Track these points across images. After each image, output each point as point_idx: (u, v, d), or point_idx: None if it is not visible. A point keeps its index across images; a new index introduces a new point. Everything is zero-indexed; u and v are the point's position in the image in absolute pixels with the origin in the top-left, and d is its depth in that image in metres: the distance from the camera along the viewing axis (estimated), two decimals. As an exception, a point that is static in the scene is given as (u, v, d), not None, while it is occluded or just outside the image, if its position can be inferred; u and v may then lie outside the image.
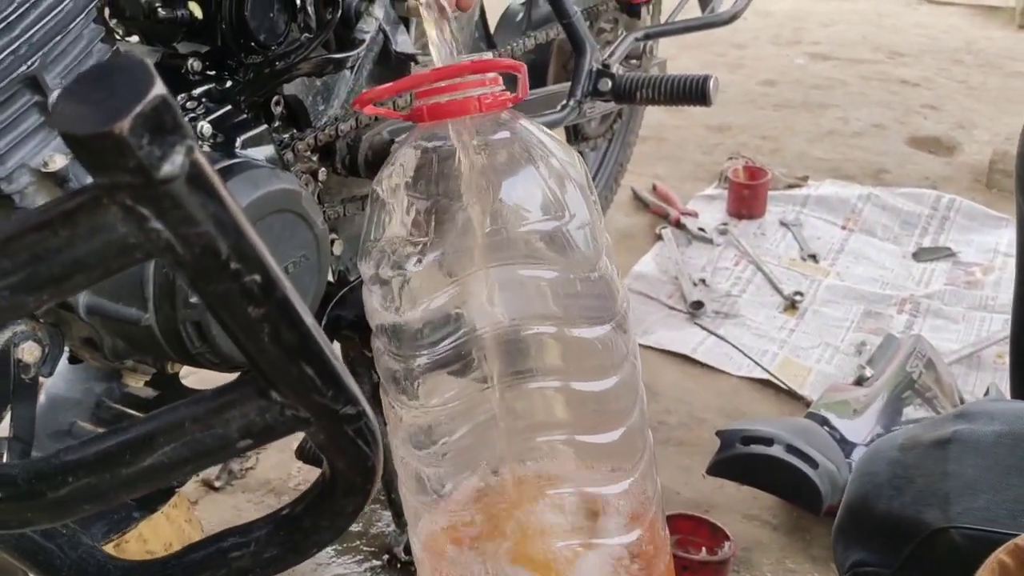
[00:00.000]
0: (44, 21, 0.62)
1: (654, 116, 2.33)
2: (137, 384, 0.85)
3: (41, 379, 0.76)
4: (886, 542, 0.78)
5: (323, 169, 0.89)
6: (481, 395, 0.67)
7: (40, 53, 0.63)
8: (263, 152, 0.77)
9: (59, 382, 0.85)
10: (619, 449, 0.71)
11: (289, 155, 0.84)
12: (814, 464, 1.07)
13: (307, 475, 1.32)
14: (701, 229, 2.01)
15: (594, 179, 1.82)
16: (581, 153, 1.68)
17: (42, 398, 0.81)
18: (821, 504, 1.08)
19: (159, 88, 0.27)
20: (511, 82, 0.67)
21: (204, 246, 0.31)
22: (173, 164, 0.28)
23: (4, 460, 0.76)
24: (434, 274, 0.65)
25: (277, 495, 1.29)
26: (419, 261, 0.65)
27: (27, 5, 0.61)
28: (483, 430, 0.68)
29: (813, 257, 1.93)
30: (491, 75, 0.64)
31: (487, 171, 0.64)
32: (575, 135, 1.48)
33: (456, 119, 0.63)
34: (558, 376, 0.68)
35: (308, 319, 0.36)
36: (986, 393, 1.42)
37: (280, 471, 1.32)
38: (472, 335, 0.66)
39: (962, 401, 1.41)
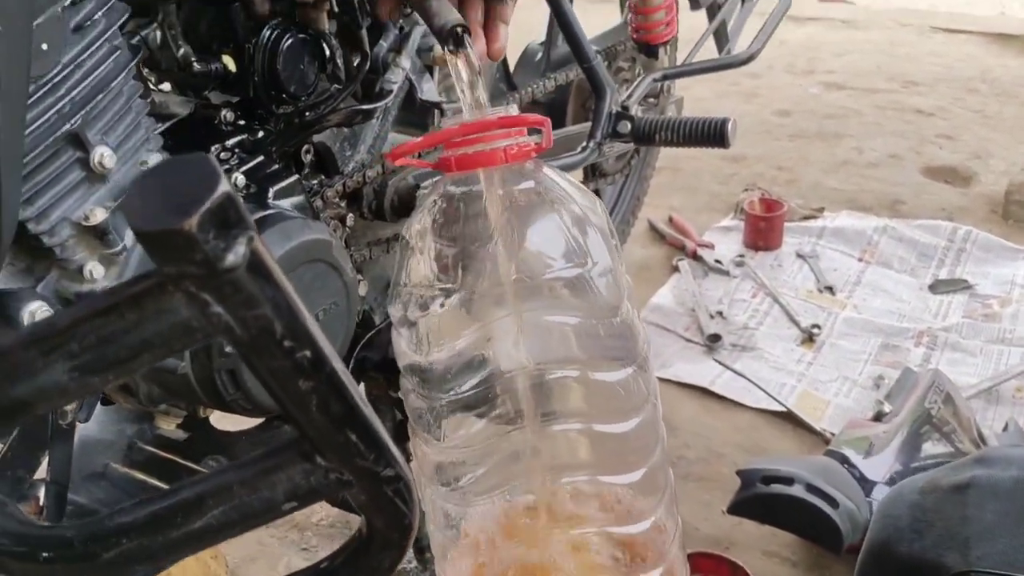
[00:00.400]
0: (87, 81, 0.65)
1: (668, 147, 2.35)
2: (169, 427, 0.87)
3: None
4: None
5: (351, 214, 0.91)
6: (505, 437, 0.69)
7: (82, 112, 0.65)
8: (294, 201, 0.79)
9: (92, 424, 0.86)
10: (641, 488, 0.72)
11: (318, 202, 0.86)
12: (834, 503, 1.07)
13: (328, 511, 1.33)
14: (718, 261, 2.02)
15: (611, 213, 1.84)
16: (598, 189, 1.70)
17: (76, 440, 0.82)
18: (841, 543, 1.08)
19: (224, 185, 0.29)
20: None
21: (261, 327, 0.33)
22: (236, 255, 0.30)
23: (41, 502, 0.78)
24: (460, 318, 0.67)
25: (300, 531, 1.30)
26: (446, 305, 0.66)
27: (72, 66, 0.63)
28: (507, 470, 0.70)
29: (830, 289, 1.93)
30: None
31: (512, 219, 0.66)
32: (593, 172, 1.50)
33: (483, 169, 0.65)
34: (581, 418, 0.69)
35: (353, 389, 0.38)
36: (1005, 428, 1.42)
37: (302, 506, 1.33)
38: (497, 378, 0.68)
39: (980, 435, 1.41)
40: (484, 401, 0.68)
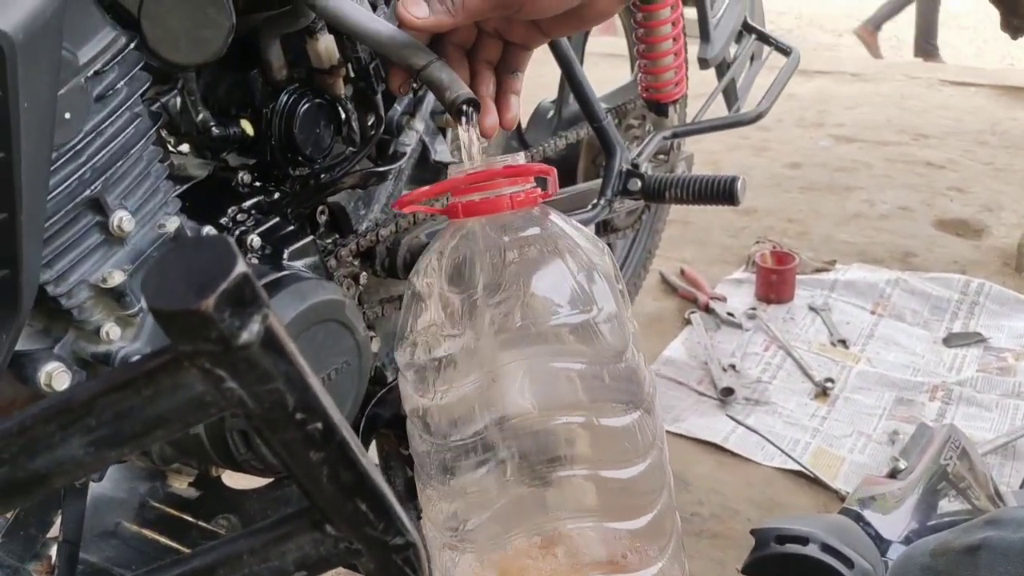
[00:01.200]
0: (108, 148, 0.66)
1: (681, 200, 2.37)
2: (181, 485, 0.87)
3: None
4: None
5: (364, 273, 0.92)
6: (509, 483, 0.69)
7: (103, 177, 0.66)
8: (308, 261, 0.80)
9: (105, 482, 0.87)
10: (648, 533, 0.72)
11: (332, 261, 0.87)
12: (850, 564, 1.06)
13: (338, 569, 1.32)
14: (730, 314, 2.02)
15: (623, 266, 1.85)
16: (610, 243, 1.72)
17: (88, 498, 0.83)
18: (857, 604, 1.07)
19: (241, 266, 0.30)
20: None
21: (274, 401, 0.33)
22: (251, 332, 0.31)
23: (53, 561, 0.78)
24: (466, 363, 0.67)
25: (310, 587, 1.29)
26: (451, 351, 0.67)
27: (93, 134, 0.65)
28: (511, 515, 0.70)
29: (843, 343, 1.93)
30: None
31: (518, 265, 0.66)
32: (604, 227, 1.51)
33: (489, 216, 0.66)
34: (587, 464, 0.69)
35: (363, 459, 0.38)
36: (1022, 485, 1.41)
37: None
38: (502, 423, 0.68)
39: (997, 492, 1.39)
40: (488, 447, 0.69)
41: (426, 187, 0.67)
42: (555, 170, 0.69)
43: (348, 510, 0.39)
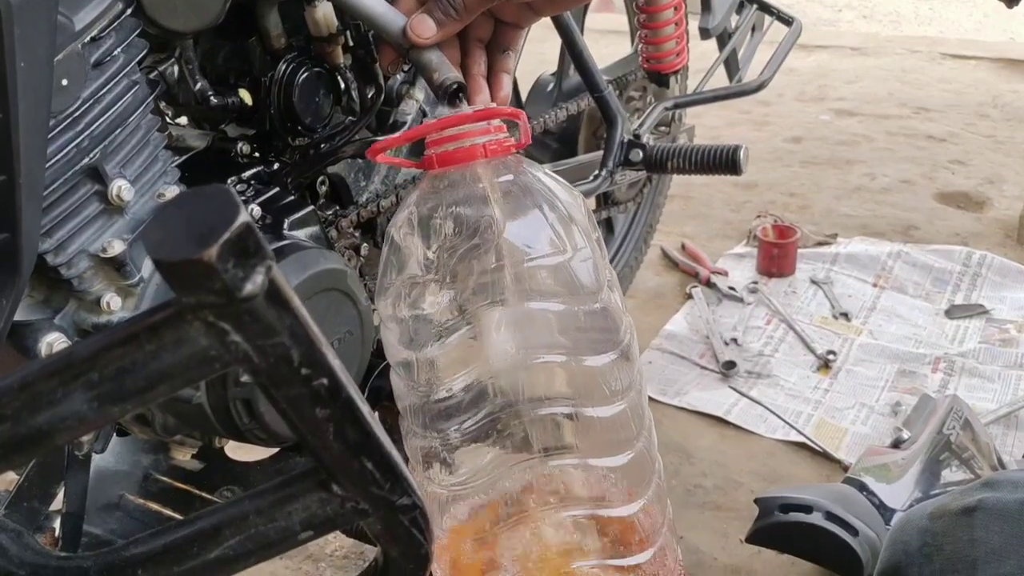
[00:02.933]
0: (106, 116, 0.65)
1: (679, 175, 2.36)
2: (184, 457, 0.87)
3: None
4: None
5: (365, 244, 0.91)
6: (494, 424, 0.69)
7: (101, 145, 0.66)
8: (309, 232, 0.79)
9: (107, 455, 0.87)
10: (629, 471, 0.72)
11: (333, 232, 0.86)
12: (854, 531, 1.06)
13: (343, 542, 1.32)
14: (731, 288, 2.01)
15: (624, 241, 1.84)
16: (611, 218, 1.71)
17: (91, 471, 0.82)
18: (862, 572, 1.07)
19: (243, 216, 0.29)
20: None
21: (279, 355, 0.33)
22: (254, 284, 0.30)
23: (57, 534, 0.78)
24: (446, 311, 0.69)
25: (314, 561, 1.29)
26: (432, 300, 0.68)
27: (91, 101, 0.64)
28: (497, 458, 0.70)
29: (845, 315, 1.92)
30: (496, 123, 0.67)
31: (494, 211, 0.67)
32: (605, 200, 1.50)
33: (464, 165, 0.67)
34: (568, 403, 0.70)
35: (369, 417, 0.38)
36: (1025, 455, 1.41)
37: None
38: (483, 367, 0.69)
39: (1000, 461, 1.39)
40: (471, 392, 0.70)
41: (397, 134, 0.68)
42: (525, 114, 0.70)
43: (354, 469, 0.39)
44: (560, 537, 0.68)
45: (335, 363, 0.35)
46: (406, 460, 0.55)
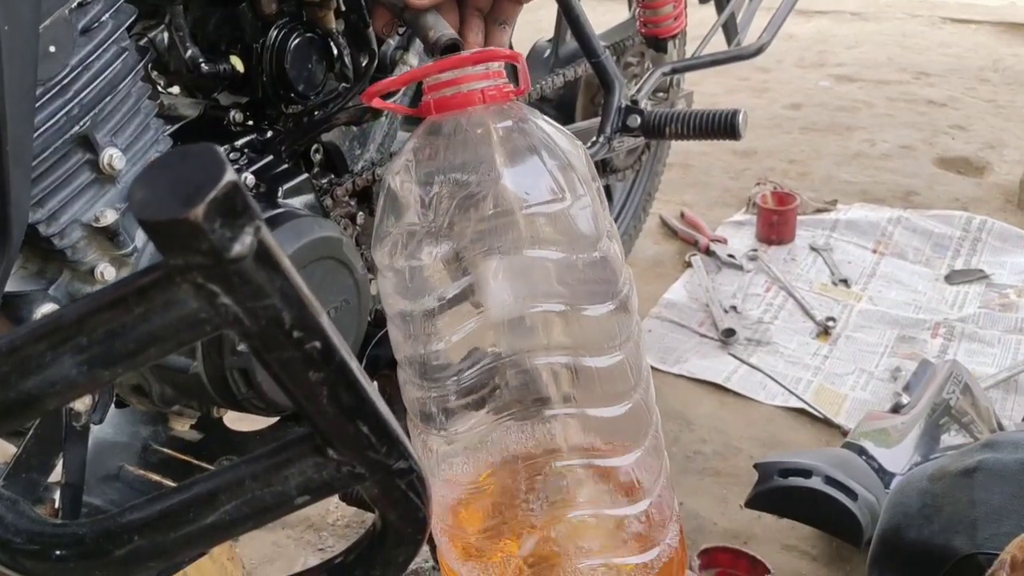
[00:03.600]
0: (95, 83, 0.65)
1: (680, 143, 2.34)
2: (183, 428, 0.87)
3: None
4: (918, 569, 0.80)
5: (361, 213, 0.91)
6: (490, 372, 0.69)
7: (91, 113, 0.65)
8: (304, 200, 0.79)
9: (106, 426, 0.86)
10: (626, 423, 0.73)
11: (328, 201, 0.85)
12: (853, 495, 1.07)
13: (344, 511, 1.33)
14: (731, 255, 2.01)
15: (622, 209, 1.84)
16: (609, 186, 1.70)
17: (90, 442, 0.82)
18: (861, 536, 1.08)
19: (230, 174, 0.29)
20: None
21: (270, 318, 0.32)
22: (243, 244, 0.30)
23: (56, 505, 0.78)
24: (443, 259, 0.68)
25: (316, 531, 1.30)
26: (430, 247, 0.67)
27: (80, 68, 0.63)
28: (497, 407, 0.70)
29: (844, 282, 1.92)
30: (495, 67, 0.67)
31: (493, 158, 0.67)
32: (604, 168, 1.49)
33: (462, 111, 0.66)
34: (567, 352, 0.70)
35: (364, 380, 0.38)
36: (1025, 418, 1.41)
37: (318, 507, 1.34)
38: (481, 315, 0.69)
39: (999, 426, 1.39)
40: (469, 342, 0.69)
41: (394, 77, 0.67)
42: (523, 57, 0.69)
43: (350, 433, 0.39)
44: (557, 486, 0.69)
45: (327, 326, 0.34)
46: (404, 427, 0.55)
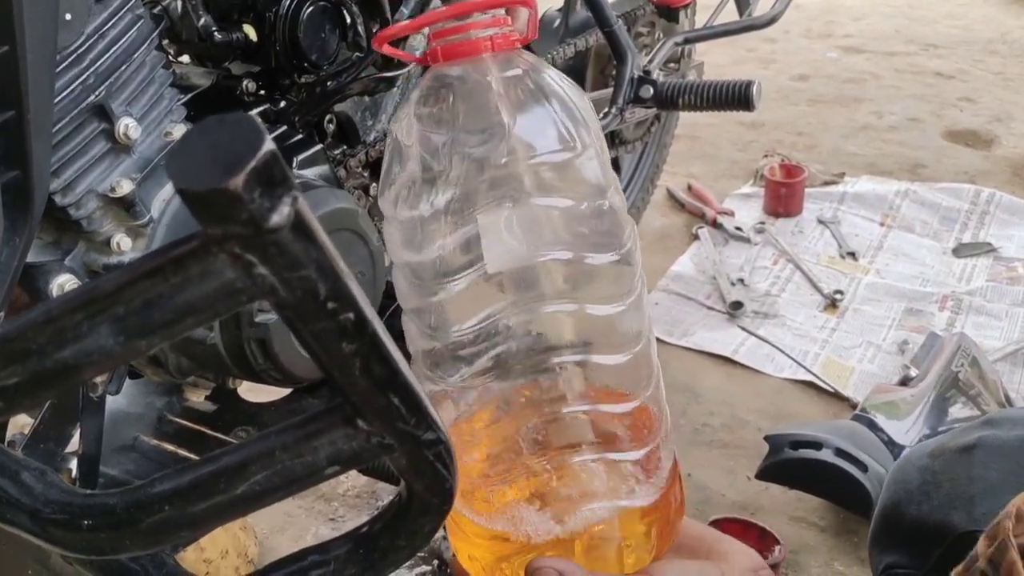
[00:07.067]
0: (110, 52, 0.64)
1: (686, 114, 2.33)
2: (198, 398, 0.87)
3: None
4: (916, 546, 0.81)
5: (373, 184, 0.90)
6: (495, 322, 0.70)
7: (107, 83, 0.64)
8: (319, 171, 0.78)
9: (121, 397, 0.87)
10: (629, 371, 0.73)
11: (342, 172, 0.85)
12: (863, 467, 1.07)
13: (355, 480, 1.33)
14: (738, 228, 2.01)
15: (630, 181, 1.83)
16: (618, 157, 1.69)
17: (106, 413, 0.83)
18: (871, 507, 1.08)
19: (269, 143, 0.28)
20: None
21: (305, 289, 0.32)
22: (280, 214, 0.30)
23: (73, 475, 0.78)
24: (452, 207, 0.68)
25: (327, 501, 1.31)
26: (437, 196, 0.67)
27: (95, 37, 0.63)
28: (507, 356, 0.71)
29: (852, 255, 1.92)
30: (502, 14, 0.66)
31: (499, 107, 0.66)
32: (613, 139, 1.48)
33: (469, 59, 0.66)
34: (572, 300, 0.70)
35: (395, 352, 0.38)
36: (1033, 391, 1.41)
37: (328, 477, 1.34)
38: (488, 263, 0.69)
39: (1007, 398, 1.40)
40: (477, 290, 0.70)
41: (405, 22, 0.66)
42: (536, 4, 0.69)
43: (380, 404, 0.39)
44: (560, 431, 0.69)
45: (361, 297, 0.34)
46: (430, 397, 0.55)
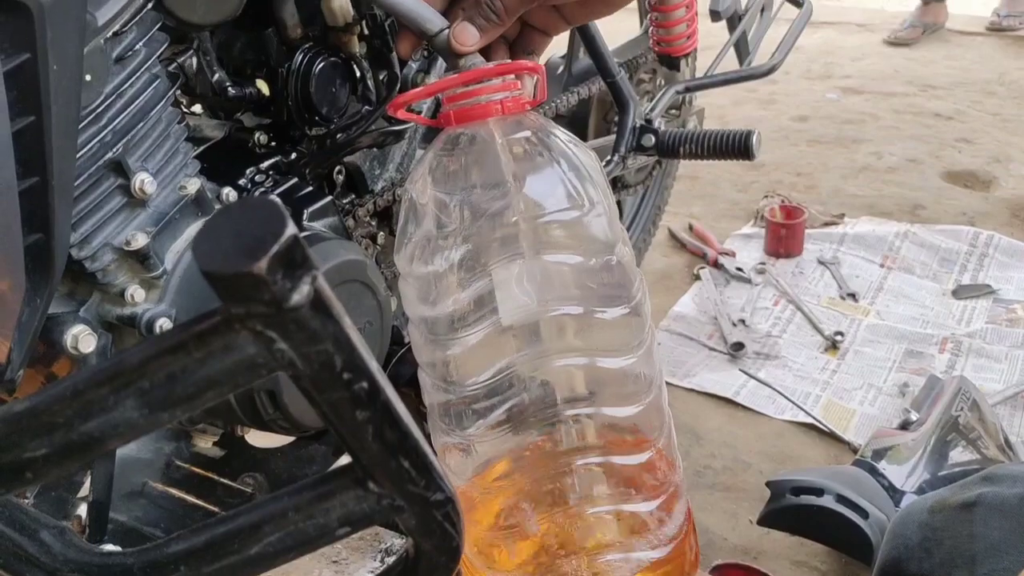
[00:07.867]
0: (128, 110, 0.66)
1: (688, 155, 2.36)
2: (206, 444, 0.88)
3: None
4: None
5: (381, 232, 0.92)
6: (511, 373, 0.71)
7: (124, 139, 0.66)
8: (328, 222, 0.80)
9: (130, 444, 0.88)
10: (641, 421, 0.74)
11: (350, 221, 0.87)
12: (864, 514, 1.07)
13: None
14: (739, 269, 2.02)
15: (632, 223, 1.85)
16: (620, 201, 1.71)
17: (115, 459, 0.84)
18: (872, 553, 1.08)
19: (291, 228, 0.30)
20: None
21: (323, 362, 0.34)
22: (301, 294, 0.31)
23: (83, 521, 0.79)
24: (465, 264, 0.70)
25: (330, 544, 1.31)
26: (451, 254, 0.69)
27: (113, 96, 0.65)
28: (513, 405, 0.71)
29: (852, 296, 1.93)
30: (512, 79, 0.68)
31: (511, 167, 0.68)
32: (615, 184, 1.50)
33: (481, 122, 0.68)
34: (583, 353, 0.72)
35: (406, 417, 0.39)
36: (1033, 435, 1.42)
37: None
38: (501, 318, 0.70)
39: (1007, 442, 1.40)
40: (490, 345, 0.71)
41: (420, 88, 0.68)
42: (544, 69, 0.71)
43: (391, 468, 0.40)
44: (574, 484, 0.70)
45: (375, 367, 0.36)
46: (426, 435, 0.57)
